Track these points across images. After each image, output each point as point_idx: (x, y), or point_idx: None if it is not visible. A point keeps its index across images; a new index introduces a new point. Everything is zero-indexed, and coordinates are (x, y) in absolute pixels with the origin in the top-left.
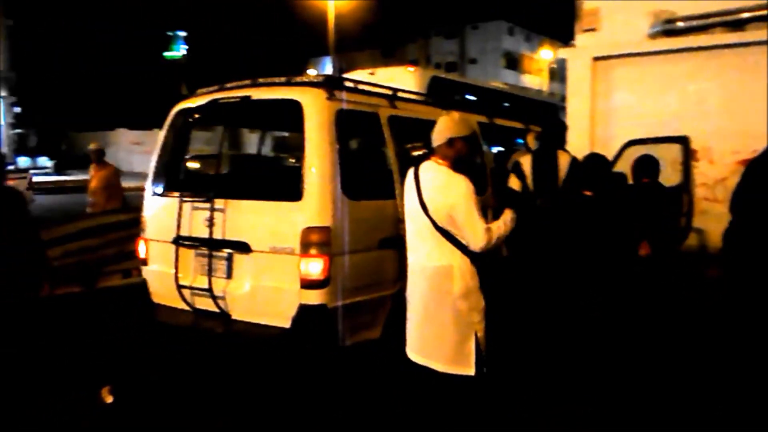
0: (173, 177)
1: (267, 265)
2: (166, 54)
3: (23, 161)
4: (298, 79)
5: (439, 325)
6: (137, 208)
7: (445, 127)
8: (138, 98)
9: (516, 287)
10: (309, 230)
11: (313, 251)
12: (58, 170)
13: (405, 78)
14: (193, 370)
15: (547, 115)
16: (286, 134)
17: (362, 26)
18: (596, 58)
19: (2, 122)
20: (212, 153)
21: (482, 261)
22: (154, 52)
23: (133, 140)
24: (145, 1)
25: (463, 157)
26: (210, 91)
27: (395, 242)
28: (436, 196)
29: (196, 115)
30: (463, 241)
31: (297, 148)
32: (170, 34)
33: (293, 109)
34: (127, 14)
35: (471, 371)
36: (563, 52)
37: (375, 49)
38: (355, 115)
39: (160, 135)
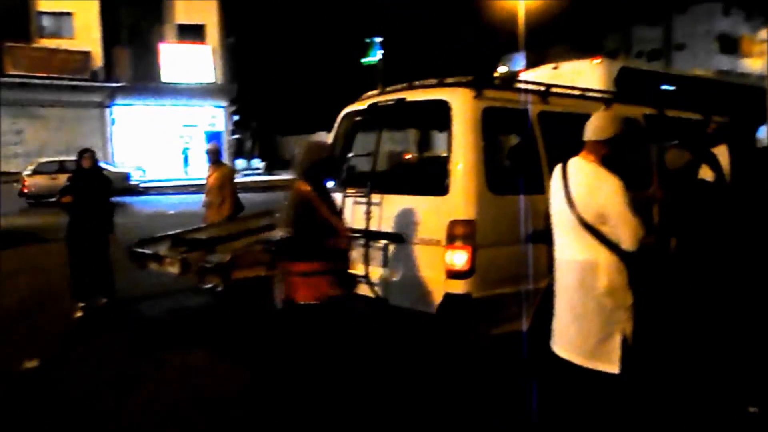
0: (339, 174)
1: (418, 255)
2: (364, 60)
3: (240, 163)
4: (449, 80)
5: (582, 320)
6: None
7: (597, 124)
8: (337, 102)
9: (686, 283)
10: (454, 223)
11: (457, 243)
12: (268, 171)
13: (591, 71)
14: (351, 350)
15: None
16: (439, 132)
17: (556, 19)
18: None
19: (224, 128)
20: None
21: (636, 258)
22: (353, 58)
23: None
24: (345, 12)
25: (614, 155)
26: (372, 94)
27: (543, 236)
28: (585, 194)
29: (359, 118)
30: (614, 239)
31: (446, 145)
32: (368, 41)
33: (442, 109)
34: (328, 24)
35: (615, 369)
36: None
37: (569, 42)
38: (503, 112)
39: (330, 136)
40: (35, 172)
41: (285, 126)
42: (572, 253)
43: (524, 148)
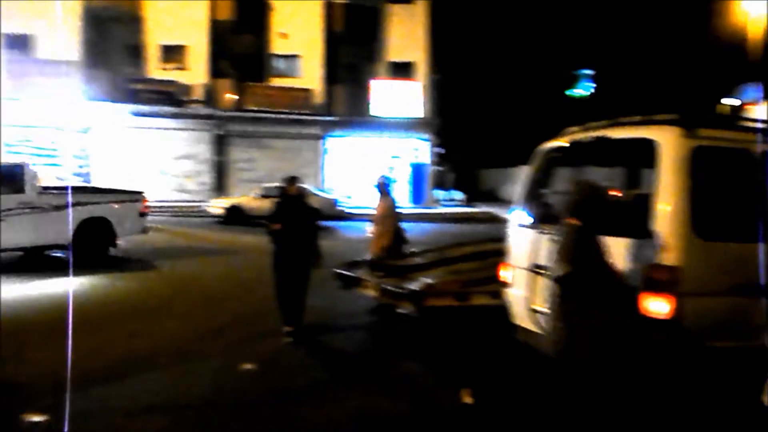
0: (534, 210)
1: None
2: (570, 92)
3: (440, 194)
4: (657, 117)
5: None
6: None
7: None
8: (539, 136)
9: None
10: (654, 268)
11: (656, 290)
12: (467, 203)
13: None
14: (541, 387)
15: None
16: (642, 172)
17: None
18: None
19: (428, 161)
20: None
21: None
22: (557, 90)
23: None
24: (551, 44)
25: None
26: (573, 131)
27: (757, 289)
28: None
29: (558, 154)
30: None
31: (651, 185)
32: (575, 73)
33: (648, 148)
34: (533, 57)
35: None
36: None
37: None
38: (719, 152)
39: (526, 171)
40: (262, 196)
41: (485, 159)
42: None
43: (744, 192)
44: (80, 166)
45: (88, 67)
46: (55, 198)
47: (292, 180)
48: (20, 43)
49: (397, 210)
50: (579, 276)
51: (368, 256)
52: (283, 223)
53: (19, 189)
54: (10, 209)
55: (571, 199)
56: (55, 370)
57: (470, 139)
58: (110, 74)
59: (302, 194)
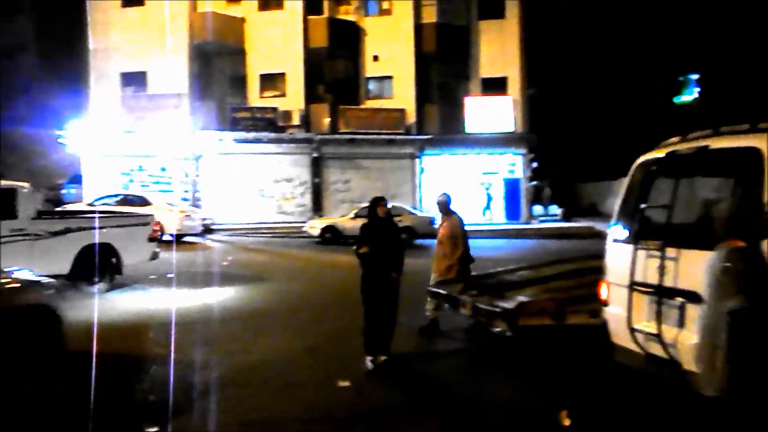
0: (632, 225)
1: (718, 319)
2: (677, 99)
3: (537, 210)
4: (763, 125)
5: None
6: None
7: None
8: (645, 146)
9: None
10: None
11: None
12: (565, 218)
13: None
14: (641, 410)
15: None
16: (748, 184)
17: None
18: None
19: (522, 175)
20: (666, 203)
21: None
22: (662, 98)
23: None
24: (656, 50)
25: None
26: (672, 142)
27: None
28: None
29: (655, 167)
30: None
31: (757, 198)
32: (682, 78)
33: (753, 158)
34: (634, 64)
35: None
36: None
37: None
38: None
39: (623, 185)
40: (357, 216)
41: (585, 172)
42: None
43: None
44: (188, 191)
45: (195, 98)
46: (51, 224)
47: (379, 201)
48: (135, 80)
49: (465, 228)
50: (759, 310)
51: (432, 278)
52: (371, 245)
53: (10, 214)
54: None
55: (719, 215)
56: (163, 384)
57: (568, 153)
58: (215, 104)
59: (390, 215)
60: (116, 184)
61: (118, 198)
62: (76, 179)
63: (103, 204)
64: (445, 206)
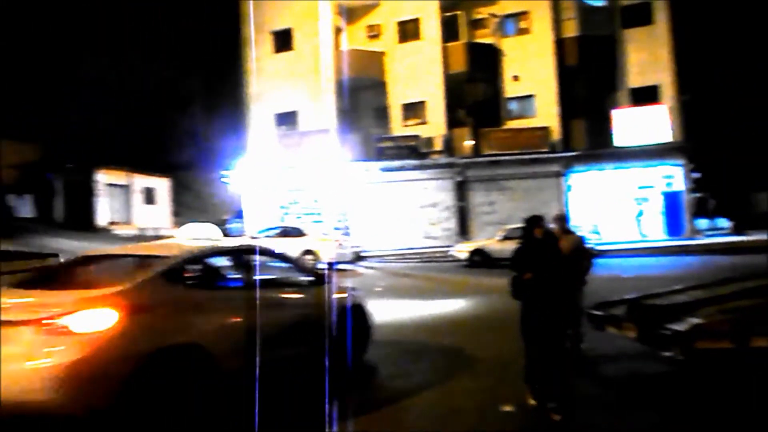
0: None
1: None
2: None
3: (702, 223)
4: None
5: None
6: None
7: None
8: None
9: None
10: None
11: None
12: (736, 231)
13: None
14: None
15: None
16: None
17: None
18: None
19: (683, 188)
20: None
21: None
22: None
23: None
24: None
25: None
26: None
27: None
28: None
29: None
30: None
31: None
32: None
33: None
34: None
35: None
36: None
37: None
38: None
39: None
40: (505, 238)
41: (760, 180)
42: None
43: None
44: (340, 221)
45: (342, 131)
46: None
47: (537, 220)
48: (287, 119)
49: (587, 247)
50: None
51: None
52: (533, 272)
53: None
54: None
55: None
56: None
57: (738, 160)
58: (361, 136)
59: (553, 236)
60: (274, 217)
61: (278, 230)
62: (239, 214)
63: (266, 237)
64: (563, 224)
